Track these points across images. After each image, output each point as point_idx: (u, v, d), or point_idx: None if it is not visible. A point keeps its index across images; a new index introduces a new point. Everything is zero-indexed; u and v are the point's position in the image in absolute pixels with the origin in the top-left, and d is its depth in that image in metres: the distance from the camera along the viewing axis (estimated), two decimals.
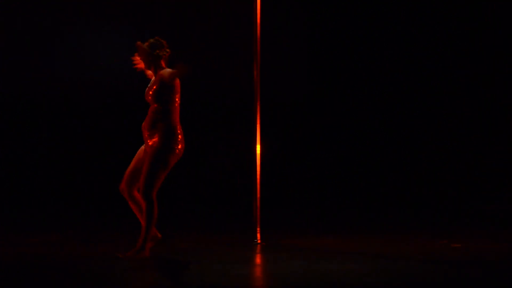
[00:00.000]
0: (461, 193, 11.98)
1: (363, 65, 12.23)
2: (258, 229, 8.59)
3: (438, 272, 7.16)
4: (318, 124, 12.11)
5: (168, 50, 7.76)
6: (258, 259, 7.93)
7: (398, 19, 12.20)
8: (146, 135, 7.61)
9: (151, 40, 7.71)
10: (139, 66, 7.84)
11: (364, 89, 12.21)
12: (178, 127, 7.62)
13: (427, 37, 12.24)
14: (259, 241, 8.58)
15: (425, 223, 10.47)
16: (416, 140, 12.32)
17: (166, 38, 10.85)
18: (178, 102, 7.66)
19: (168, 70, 7.60)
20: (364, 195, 11.98)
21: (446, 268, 7.30)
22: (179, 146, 7.58)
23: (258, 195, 8.58)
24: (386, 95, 12.23)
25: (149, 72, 7.83)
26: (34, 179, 11.75)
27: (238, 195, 10.60)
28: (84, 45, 11.80)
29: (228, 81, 11.69)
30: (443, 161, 12.24)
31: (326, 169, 12.00)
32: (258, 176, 8.60)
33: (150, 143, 7.54)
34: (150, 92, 7.57)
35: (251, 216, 8.66)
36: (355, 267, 7.29)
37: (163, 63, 7.70)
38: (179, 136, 7.60)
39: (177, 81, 7.64)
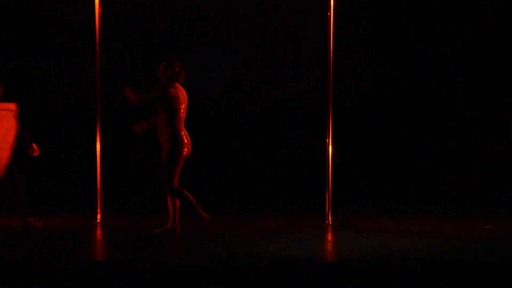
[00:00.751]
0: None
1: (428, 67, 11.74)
2: (330, 212, 9.13)
3: (474, 248, 7.70)
4: (382, 125, 11.81)
5: (175, 70, 8.17)
6: (329, 237, 8.47)
7: (398, 19, 11.66)
8: (160, 141, 8.23)
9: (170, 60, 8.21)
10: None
11: (423, 92, 11.77)
12: (182, 133, 8.14)
13: (427, 37, 11.65)
14: (330, 222, 9.10)
15: (465, 208, 10.54)
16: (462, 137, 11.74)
17: (238, 44, 10.91)
18: (183, 111, 8.15)
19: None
20: (416, 186, 11.67)
21: (480, 245, 7.85)
22: (185, 149, 8.15)
23: (330, 186, 9.16)
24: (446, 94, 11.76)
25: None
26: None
27: (314, 186, 10.48)
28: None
29: (303, 87, 11.59)
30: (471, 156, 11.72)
31: (385, 163, 11.80)
32: (330, 171, 9.16)
33: (165, 149, 8.15)
34: (158, 105, 8.18)
35: (324, 202, 9.16)
36: (408, 244, 7.84)
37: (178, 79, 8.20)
38: (185, 141, 8.14)
39: (178, 95, 8.08)
